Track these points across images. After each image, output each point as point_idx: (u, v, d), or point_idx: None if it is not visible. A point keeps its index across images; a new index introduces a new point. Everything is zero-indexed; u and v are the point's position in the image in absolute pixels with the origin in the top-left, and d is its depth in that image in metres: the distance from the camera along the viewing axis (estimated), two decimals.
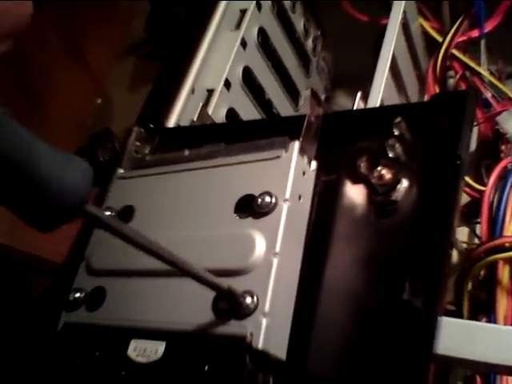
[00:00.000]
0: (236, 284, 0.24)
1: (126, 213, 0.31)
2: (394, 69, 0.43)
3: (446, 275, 0.24)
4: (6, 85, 0.47)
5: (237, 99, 0.45)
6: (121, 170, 0.34)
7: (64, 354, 0.29)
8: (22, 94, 0.51)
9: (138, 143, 0.35)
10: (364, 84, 0.39)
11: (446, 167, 0.26)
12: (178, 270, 0.21)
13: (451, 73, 0.48)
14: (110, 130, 0.56)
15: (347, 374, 0.24)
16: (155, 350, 0.25)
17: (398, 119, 0.27)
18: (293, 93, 0.54)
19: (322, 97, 0.61)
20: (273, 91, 0.51)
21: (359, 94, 0.35)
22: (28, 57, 0.50)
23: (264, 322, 0.23)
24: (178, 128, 0.39)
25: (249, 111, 0.47)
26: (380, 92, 0.37)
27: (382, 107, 0.34)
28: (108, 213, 0.32)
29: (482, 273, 0.33)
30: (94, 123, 0.59)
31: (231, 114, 0.44)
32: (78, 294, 0.29)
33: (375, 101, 0.37)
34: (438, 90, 0.45)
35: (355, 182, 0.28)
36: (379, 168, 0.26)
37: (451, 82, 0.49)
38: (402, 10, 0.43)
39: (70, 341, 0.29)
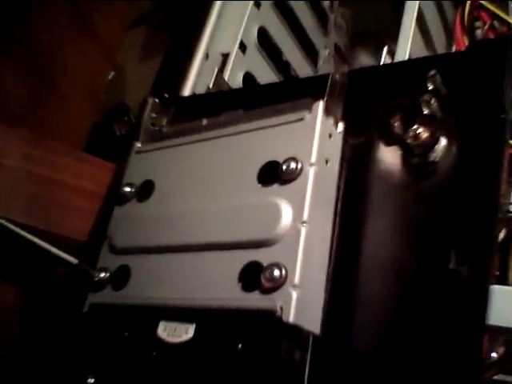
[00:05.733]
0: (263, 256, 0.23)
1: (146, 188, 0.30)
2: (421, 20, 0.40)
3: (496, 241, 0.22)
4: (19, 67, 0.46)
5: (253, 62, 0.43)
6: (138, 144, 0.33)
7: (92, 336, 0.28)
8: (35, 74, 0.50)
9: (153, 115, 0.34)
10: (385, 40, 0.37)
11: (488, 122, 0.23)
12: None
13: (478, 24, 0.46)
14: (125, 104, 0.55)
15: (391, 351, 0.22)
16: (186, 329, 0.24)
17: (433, 72, 0.25)
18: (311, 53, 0.52)
19: None
20: (290, 52, 0.49)
21: (385, 49, 0.33)
22: (37, 36, 0.49)
23: (294, 294, 0.22)
24: (193, 96, 0.38)
25: (266, 74, 0.45)
26: (408, 45, 0.35)
27: (413, 59, 0.31)
28: (128, 189, 0.31)
29: None
30: (108, 97, 0.58)
31: (248, 78, 0.43)
32: (102, 274, 0.29)
33: (403, 55, 0.34)
34: (466, 42, 0.43)
35: (388, 143, 0.26)
36: (415, 127, 0.24)
37: (478, 32, 0.46)
38: None
39: (97, 322, 0.28)
